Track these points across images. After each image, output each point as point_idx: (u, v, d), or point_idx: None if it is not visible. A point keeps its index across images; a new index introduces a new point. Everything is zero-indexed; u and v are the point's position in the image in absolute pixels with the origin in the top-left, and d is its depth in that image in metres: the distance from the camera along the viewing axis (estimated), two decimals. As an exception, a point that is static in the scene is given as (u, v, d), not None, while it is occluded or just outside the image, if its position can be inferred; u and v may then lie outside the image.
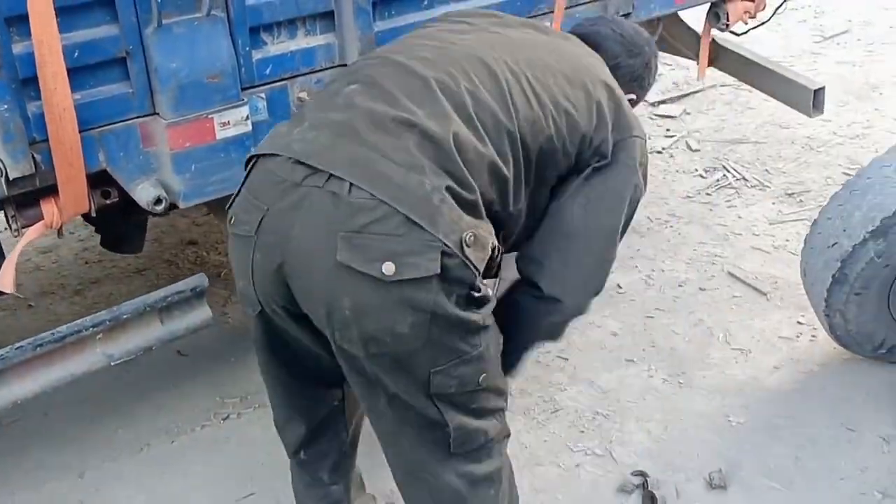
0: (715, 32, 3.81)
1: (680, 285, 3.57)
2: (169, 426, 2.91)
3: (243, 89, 2.17)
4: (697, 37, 3.89)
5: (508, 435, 1.99)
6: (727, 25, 3.18)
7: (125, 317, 2.30)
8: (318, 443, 2.07)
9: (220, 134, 2.13)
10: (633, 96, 2.17)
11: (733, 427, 2.85)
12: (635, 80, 2.17)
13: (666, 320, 3.37)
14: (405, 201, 1.57)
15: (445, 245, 1.58)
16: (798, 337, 3.21)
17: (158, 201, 2.10)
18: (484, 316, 1.69)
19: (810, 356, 3.12)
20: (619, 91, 1.97)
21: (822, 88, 3.53)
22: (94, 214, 2.12)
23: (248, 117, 2.16)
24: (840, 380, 3.00)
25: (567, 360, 3.18)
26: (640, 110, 5.03)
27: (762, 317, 3.35)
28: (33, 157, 1.92)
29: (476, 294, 1.65)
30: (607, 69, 2.03)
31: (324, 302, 1.61)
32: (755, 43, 5.84)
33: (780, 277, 3.54)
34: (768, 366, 3.10)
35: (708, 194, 4.24)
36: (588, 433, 2.84)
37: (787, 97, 3.71)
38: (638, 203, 1.98)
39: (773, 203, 4.11)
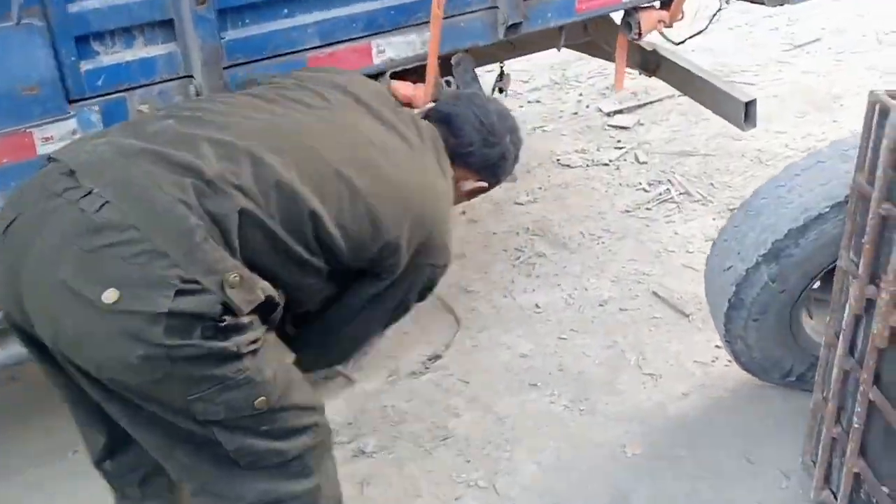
0: (660, 41, 3.69)
1: (601, 304, 3.42)
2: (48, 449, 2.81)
3: (71, 102, 2.06)
4: (635, 46, 3.76)
5: (328, 449, 1.89)
6: (639, 35, 3.04)
7: None
8: (123, 453, 1.92)
9: (42, 149, 2.02)
10: (484, 184, 2.19)
11: (629, 457, 2.70)
12: (487, 168, 2.17)
13: (580, 341, 3.23)
14: (160, 231, 1.47)
15: (196, 283, 1.48)
16: (713, 362, 3.06)
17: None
18: (239, 343, 1.58)
19: (722, 382, 2.97)
20: (436, 219, 1.95)
21: (754, 101, 3.37)
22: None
23: (75, 131, 2.05)
24: (749, 409, 2.85)
25: (468, 383, 3.05)
26: (595, 121, 4.92)
27: (680, 339, 3.20)
28: None
29: (223, 324, 1.53)
30: (441, 184, 1.99)
31: (49, 320, 1.50)
32: (722, 52, 5.74)
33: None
34: (677, 392, 2.95)
35: (648, 209, 4.09)
36: (475, 463, 2.71)
37: (721, 110, 3.56)
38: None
39: (714, 219, 3.95)
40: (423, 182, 1.92)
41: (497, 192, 4.20)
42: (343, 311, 1.97)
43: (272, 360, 1.69)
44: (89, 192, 1.52)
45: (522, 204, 4.18)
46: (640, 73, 3.98)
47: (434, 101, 2.61)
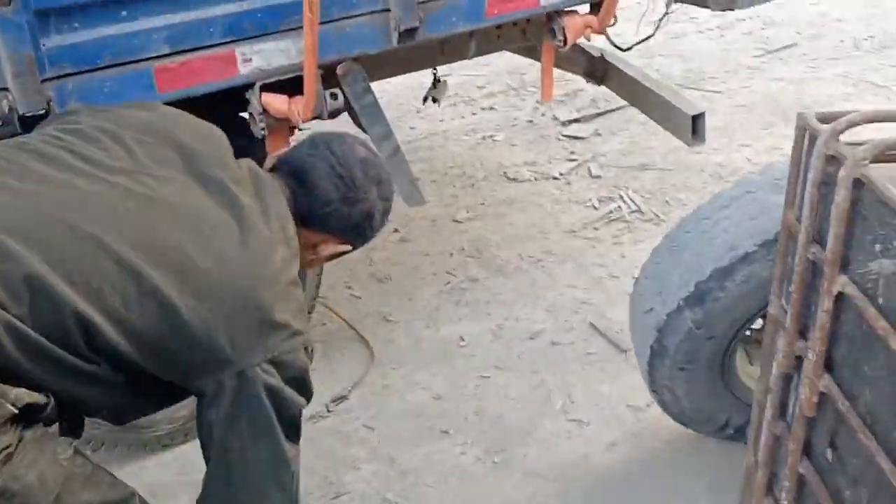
0: (607, 48, 3.38)
1: (531, 338, 3.10)
2: None
3: None
4: (586, 53, 3.45)
5: None
6: (564, 43, 2.71)
7: None
8: None
9: None
10: (347, 247, 1.82)
11: (541, 520, 2.38)
12: (351, 230, 1.78)
13: (503, 381, 2.91)
14: None
15: None
16: (648, 406, 2.73)
17: None
18: None
19: (656, 431, 2.65)
20: (267, 305, 1.51)
21: (702, 115, 3.05)
22: None
23: None
24: (681, 463, 2.53)
25: (373, 429, 2.73)
26: (550, 131, 4.60)
27: (614, 379, 2.88)
28: None
29: None
30: (276, 259, 1.57)
31: None
32: (691, 57, 5.42)
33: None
34: (605, 442, 2.64)
35: (595, 228, 3.77)
36: (366, 526, 2.39)
37: (669, 124, 3.23)
38: None
39: (665, 240, 3.62)
40: (244, 263, 1.52)
41: (435, 208, 3.92)
42: (214, 461, 1.57)
43: (36, 461, 1.37)
44: None
45: (461, 222, 3.86)
46: (587, 82, 3.67)
47: (316, 118, 2.30)
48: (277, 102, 2.19)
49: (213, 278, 1.49)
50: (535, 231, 3.76)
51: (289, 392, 1.54)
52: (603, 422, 2.71)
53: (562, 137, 4.62)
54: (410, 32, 2.30)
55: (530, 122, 4.83)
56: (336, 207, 1.73)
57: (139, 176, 1.55)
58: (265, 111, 2.20)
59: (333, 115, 2.32)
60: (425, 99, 3.58)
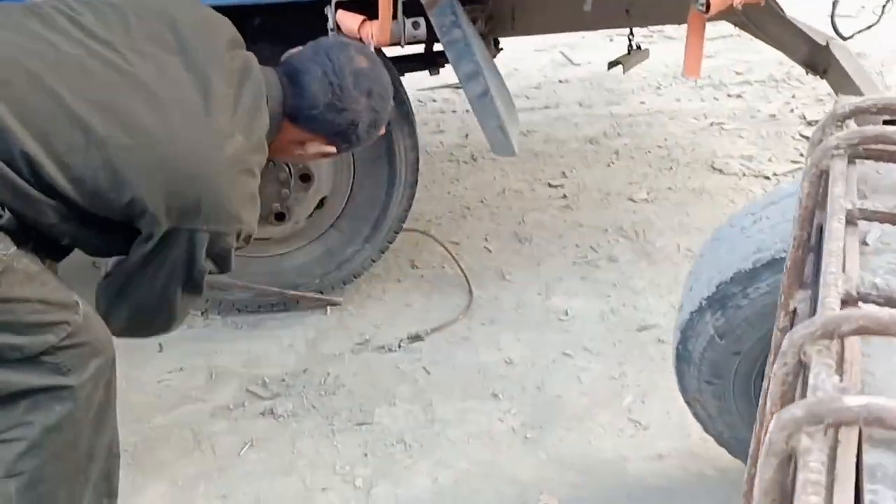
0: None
1: (639, 330, 2.87)
2: None
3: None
4: (809, 40, 3.09)
5: (94, 355, 1.74)
6: (706, 8, 2.41)
7: None
8: None
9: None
10: (332, 149, 1.92)
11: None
12: (335, 134, 1.88)
13: (583, 363, 2.74)
14: None
15: None
16: (720, 428, 2.42)
17: None
18: None
19: (713, 456, 2.33)
20: (207, 183, 1.66)
21: None
22: None
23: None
24: (720, 495, 2.22)
25: (429, 374, 2.70)
26: (791, 129, 4.14)
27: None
28: None
29: None
30: (230, 146, 1.67)
31: None
32: None
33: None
34: (654, 450, 2.39)
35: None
36: (370, 459, 2.39)
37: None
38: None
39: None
40: (196, 141, 1.64)
41: (616, 183, 3.72)
42: (124, 267, 1.76)
43: None
44: None
45: (636, 202, 3.63)
46: (806, 73, 3.27)
47: (397, 44, 2.28)
48: (349, 21, 2.20)
49: (160, 149, 1.62)
50: (709, 226, 3.42)
51: (205, 259, 1.70)
52: (663, 431, 2.45)
53: (799, 137, 4.14)
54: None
55: (773, 116, 4.39)
56: (322, 111, 1.82)
57: (124, 50, 1.67)
58: (338, 29, 2.22)
59: (412, 44, 2.29)
60: (611, 65, 3.37)
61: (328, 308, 2.95)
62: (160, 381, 2.67)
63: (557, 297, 3.04)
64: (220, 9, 1.87)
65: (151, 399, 2.59)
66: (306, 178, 2.65)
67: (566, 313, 2.95)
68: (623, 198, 3.66)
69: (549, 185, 3.78)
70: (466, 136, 4.26)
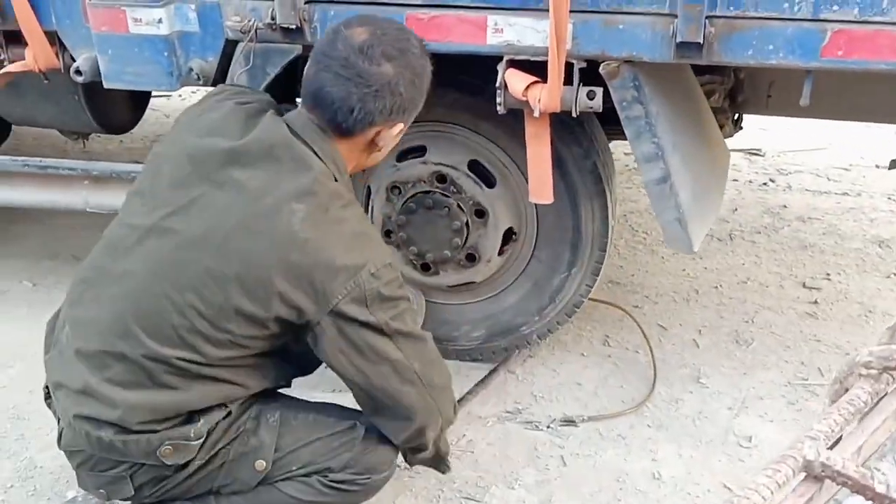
0: None
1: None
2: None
3: (172, -6, 2.22)
4: None
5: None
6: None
7: (110, 175, 2.61)
8: None
9: (133, 28, 2.22)
10: (400, 125, 1.79)
11: None
12: (388, 114, 1.74)
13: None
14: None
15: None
16: None
17: (78, 72, 2.32)
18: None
19: None
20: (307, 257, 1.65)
21: None
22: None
23: (161, 20, 2.20)
24: None
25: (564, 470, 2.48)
26: None
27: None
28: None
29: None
30: (299, 207, 1.65)
31: None
32: None
33: None
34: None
35: None
36: (457, 538, 2.25)
37: None
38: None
39: None
40: (271, 247, 1.64)
41: (887, 302, 3.17)
42: (359, 399, 1.86)
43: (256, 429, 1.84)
44: None
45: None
46: None
47: (562, 112, 2.10)
48: (517, 81, 2.06)
49: (252, 276, 1.64)
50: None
51: (375, 314, 1.67)
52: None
53: None
54: (691, 47, 1.93)
55: None
56: (359, 109, 1.70)
57: (169, 218, 1.71)
58: (505, 87, 2.10)
59: (587, 115, 2.10)
60: (892, 164, 2.87)
61: (499, 369, 2.82)
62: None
63: (748, 419, 2.64)
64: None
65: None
66: (480, 213, 2.55)
67: (750, 440, 2.56)
68: (889, 321, 3.09)
69: (804, 285, 3.31)
70: (735, 210, 3.87)
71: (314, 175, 1.67)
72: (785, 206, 3.93)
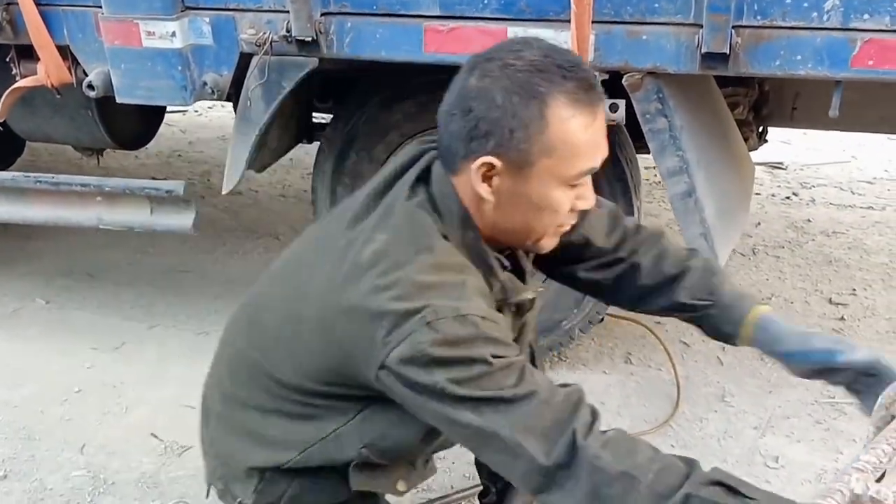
0: None
1: None
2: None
3: (187, 8, 2.18)
4: None
5: None
6: None
7: (123, 192, 2.58)
8: None
9: (146, 42, 2.19)
10: (499, 162, 1.31)
11: None
12: (470, 140, 1.32)
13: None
14: None
15: None
16: None
17: (91, 87, 2.29)
18: None
19: None
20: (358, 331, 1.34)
21: None
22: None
23: (174, 34, 2.17)
24: None
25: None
26: None
27: None
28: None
29: None
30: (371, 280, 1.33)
31: None
32: None
33: None
34: None
35: None
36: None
37: None
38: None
39: None
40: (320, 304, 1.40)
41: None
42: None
43: None
44: None
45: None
46: None
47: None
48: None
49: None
50: None
51: (424, 376, 1.30)
52: None
53: None
54: (716, 58, 1.88)
55: None
56: (445, 139, 1.37)
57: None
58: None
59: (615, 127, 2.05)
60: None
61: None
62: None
63: (775, 438, 2.57)
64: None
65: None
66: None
67: (777, 460, 2.48)
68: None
69: (830, 300, 3.23)
70: (758, 224, 3.80)
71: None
72: (809, 221, 3.86)
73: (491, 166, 1.31)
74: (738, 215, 2.34)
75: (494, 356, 1.29)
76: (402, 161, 1.46)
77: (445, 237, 1.37)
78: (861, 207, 3.97)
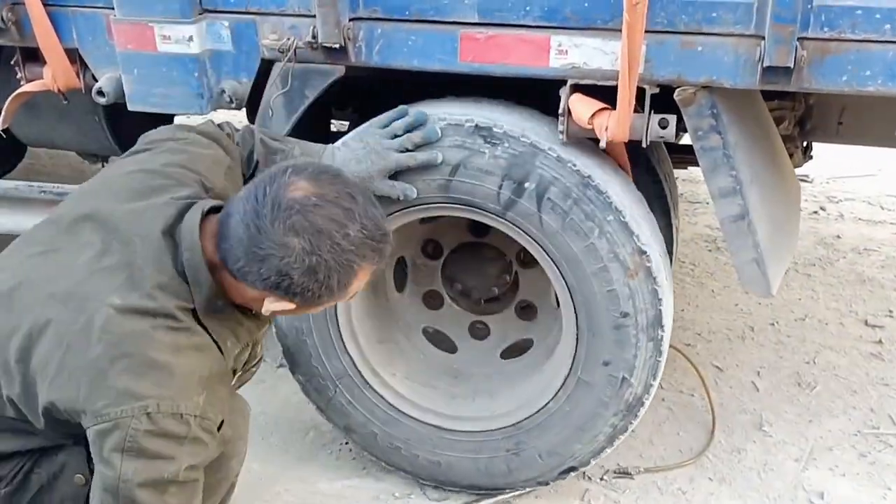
0: None
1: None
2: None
3: (205, 11, 2.05)
4: None
5: None
6: None
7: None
8: None
9: (161, 47, 2.05)
10: (290, 305, 1.54)
11: None
12: (273, 288, 1.49)
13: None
14: None
15: None
16: None
17: (101, 93, 2.15)
18: None
19: None
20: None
21: None
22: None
23: (191, 38, 2.03)
24: None
25: (621, 523, 2.28)
26: None
27: None
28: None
29: None
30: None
31: None
32: None
33: None
34: None
35: None
36: None
37: None
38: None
39: None
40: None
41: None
42: None
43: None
44: None
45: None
46: None
47: (637, 141, 1.92)
48: (582, 108, 1.88)
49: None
50: None
51: (111, 459, 1.45)
52: None
53: None
54: (778, 72, 1.74)
55: None
56: (244, 265, 1.49)
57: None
58: (569, 114, 1.91)
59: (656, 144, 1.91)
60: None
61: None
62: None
63: (818, 472, 2.44)
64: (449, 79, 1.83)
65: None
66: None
67: (822, 496, 2.35)
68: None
69: (866, 322, 3.10)
70: (786, 240, 3.66)
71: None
72: (838, 237, 3.73)
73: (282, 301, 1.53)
74: (790, 238, 2.21)
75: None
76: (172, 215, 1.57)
77: (193, 310, 1.52)
78: (892, 224, 3.84)
